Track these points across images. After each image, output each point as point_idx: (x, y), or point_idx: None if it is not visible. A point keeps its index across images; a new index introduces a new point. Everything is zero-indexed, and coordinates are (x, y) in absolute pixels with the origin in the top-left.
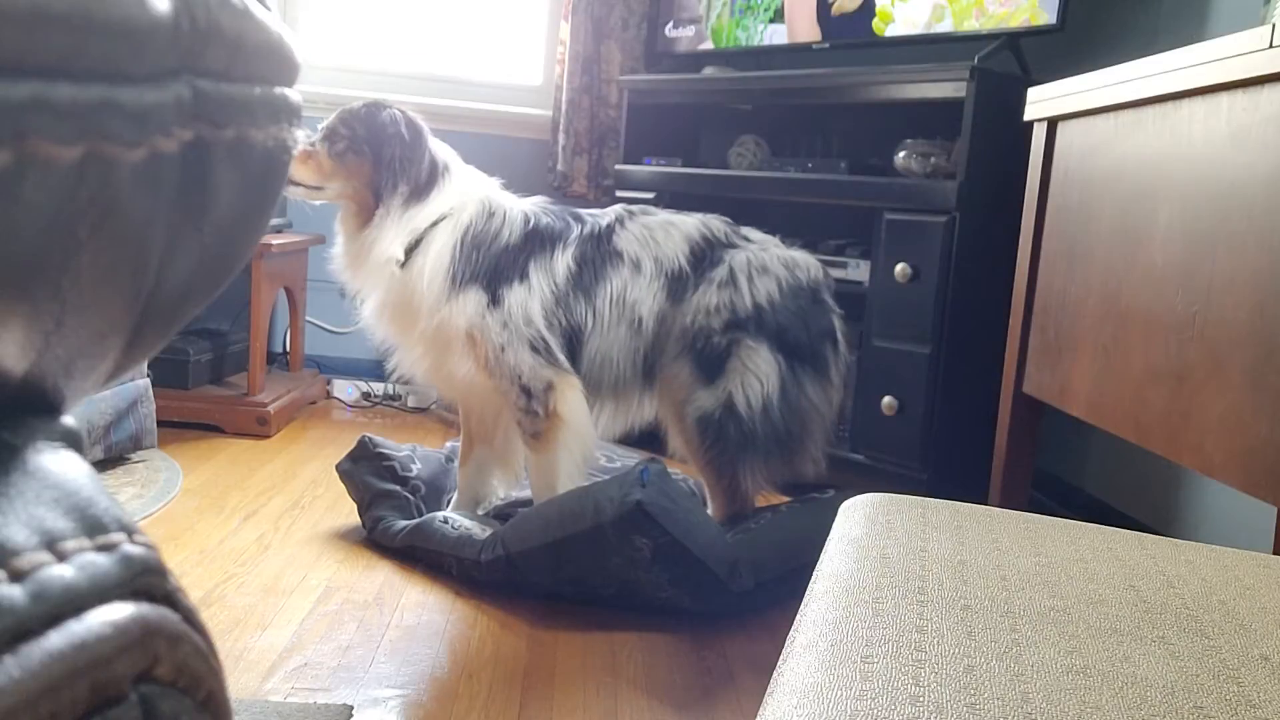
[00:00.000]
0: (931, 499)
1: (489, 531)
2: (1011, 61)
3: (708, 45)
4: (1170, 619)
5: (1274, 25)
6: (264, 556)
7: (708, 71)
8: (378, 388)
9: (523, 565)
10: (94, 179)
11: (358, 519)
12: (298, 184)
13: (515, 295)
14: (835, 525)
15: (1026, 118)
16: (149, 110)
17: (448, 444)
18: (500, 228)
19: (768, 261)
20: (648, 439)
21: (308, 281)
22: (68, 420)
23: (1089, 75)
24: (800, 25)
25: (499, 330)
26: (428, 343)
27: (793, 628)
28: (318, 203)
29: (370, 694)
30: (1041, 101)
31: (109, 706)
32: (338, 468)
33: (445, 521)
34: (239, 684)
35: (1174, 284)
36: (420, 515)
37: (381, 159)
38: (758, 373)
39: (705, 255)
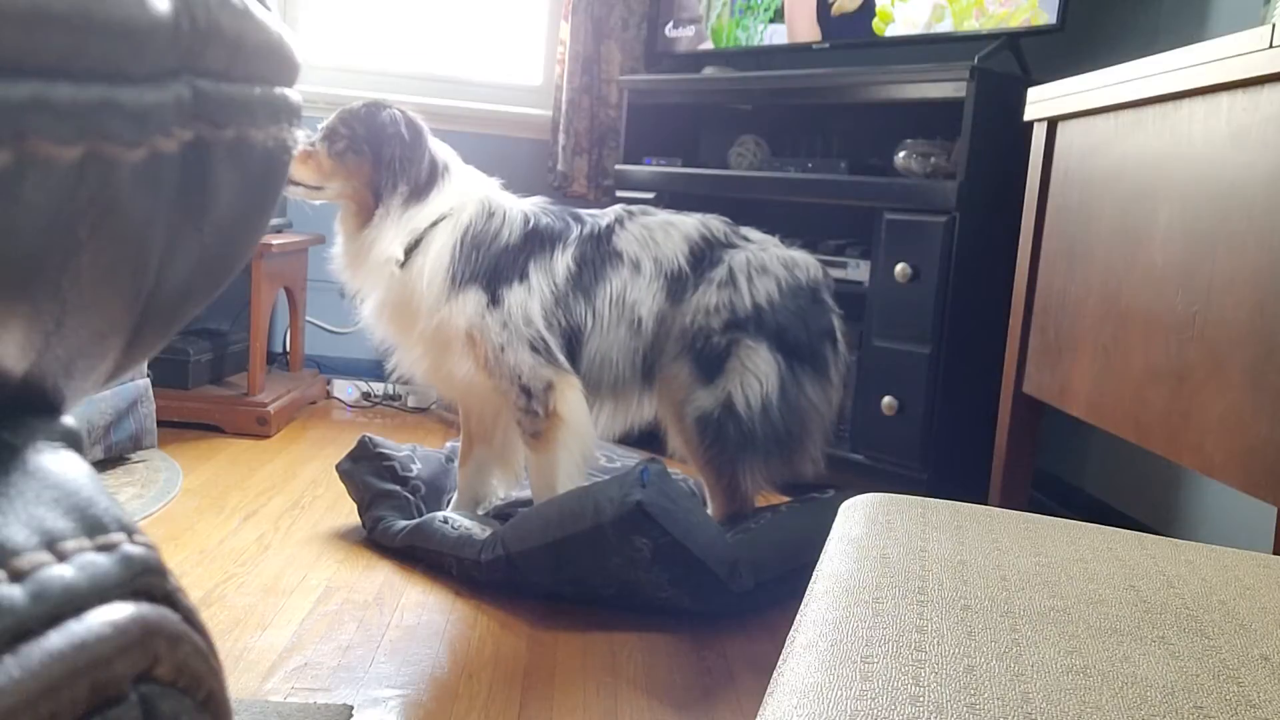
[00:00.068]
0: (931, 499)
1: (489, 531)
2: (1011, 61)
3: (708, 45)
4: (1170, 619)
5: (1274, 25)
6: (264, 556)
7: (708, 71)
8: (378, 388)
9: (523, 565)
10: (94, 179)
11: (358, 519)
12: (298, 184)
13: (515, 295)
14: (835, 525)
15: (1026, 118)
16: (149, 110)
17: (448, 444)
18: (500, 228)
19: (767, 261)
20: (648, 439)
21: (308, 281)
22: (68, 420)
23: (1089, 75)
24: (800, 25)
25: (498, 330)
26: (427, 343)
27: (793, 628)
28: (318, 202)
29: (370, 694)
30: (1041, 101)
31: (109, 706)
32: (338, 468)
33: (445, 521)
34: (239, 684)
35: (1174, 284)
36: (420, 515)
37: (381, 159)
38: (757, 373)
39: (705, 255)
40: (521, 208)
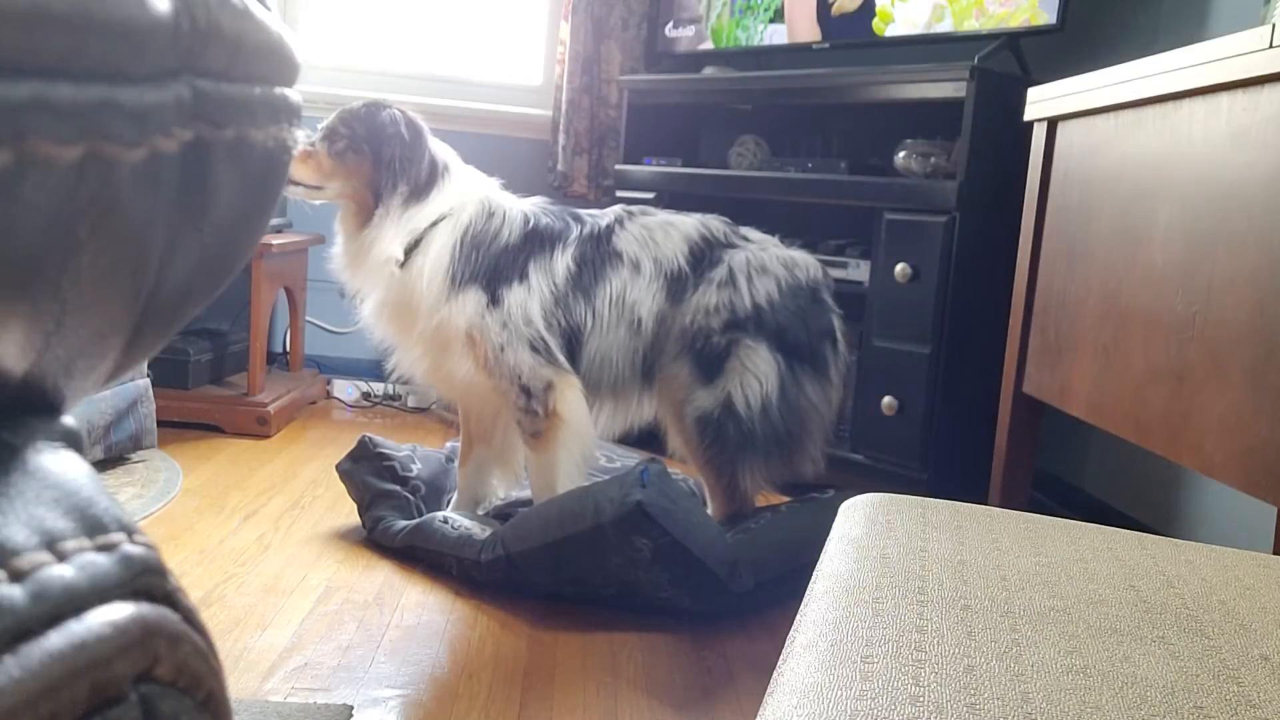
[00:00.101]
0: (931, 499)
1: (489, 531)
2: (1011, 61)
3: (708, 45)
4: (1170, 619)
5: (1274, 25)
6: (264, 556)
7: (708, 71)
8: (378, 388)
9: (523, 565)
10: (94, 179)
11: (358, 519)
12: (298, 184)
13: (515, 295)
14: (835, 525)
15: (1026, 118)
16: (149, 110)
17: (448, 444)
18: (500, 228)
19: (767, 261)
20: (648, 439)
21: (308, 281)
22: (68, 420)
23: (1089, 75)
24: (800, 25)
25: (498, 330)
26: (427, 343)
27: (793, 628)
28: (317, 202)
29: (370, 694)
30: (1041, 101)
31: (109, 706)
32: (338, 468)
33: (445, 521)
34: (239, 684)
35: (1174, 284)
36: (420, 515)
37: (381, 159)
38: (757, 372)
39: (704, 255)
40: (521, 208)
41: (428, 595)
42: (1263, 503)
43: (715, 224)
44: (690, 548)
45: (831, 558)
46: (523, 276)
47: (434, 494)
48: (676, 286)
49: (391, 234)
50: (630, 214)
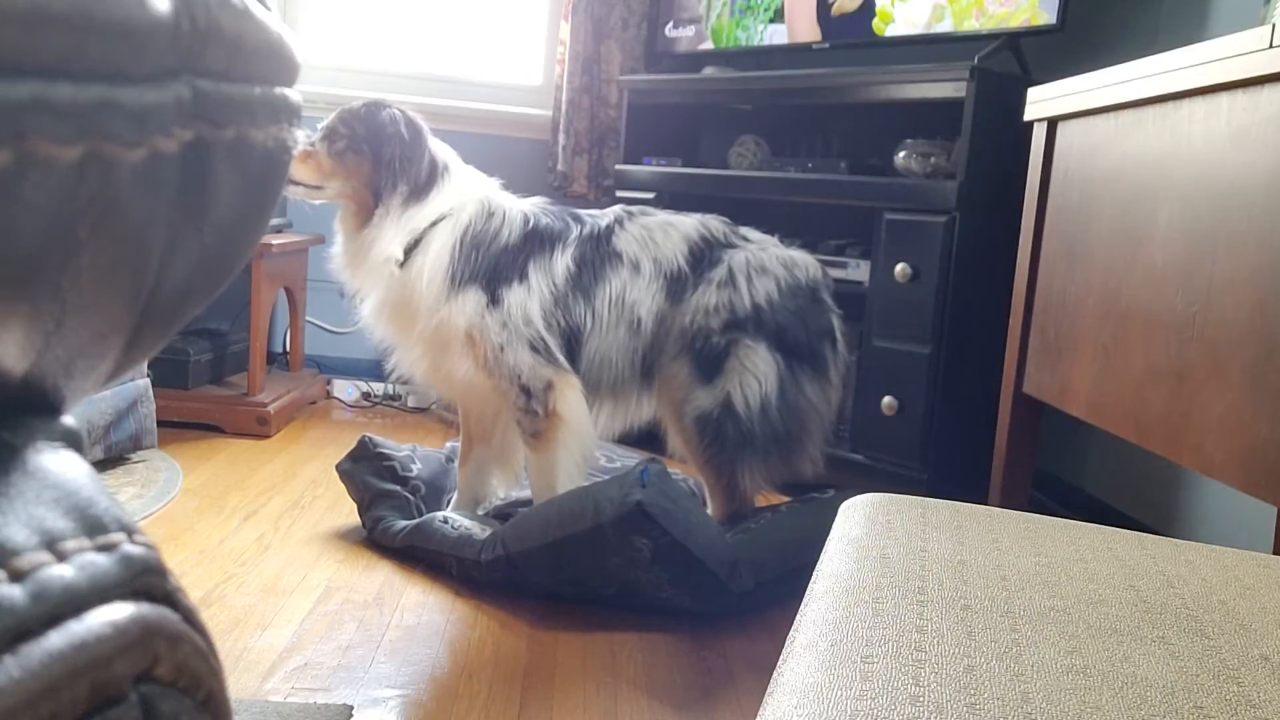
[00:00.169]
0: (931, 499)
1: (489, 531)
2: (1011, 61)
3: (708, 45)
4: (1170, 619)
5: (1274, 25)
6: (264, 556)
7: (708, 71)
8: (378, 388)
9: (523, 565)
10: (94, 179)
11: (358, 519)
12: (297, 183)
13: (514, 295)
14: (835, 525)
15: (1026, 118)
16: (149, 110)
17: (448, 444)
18: (500, 228)
19: (766, 261)
20: (647, 439)
21: (308, 281)
22: (68, 420)
23: (1089, 75)
24: (800, 25)
25: (498, 330)
26: (427, 343)
27: (793, 628)
28: (317, 202)
29: (370, 694)
30: (1041, 101)
31: (109, 706)
32: (338, 468)
33: (445, 521)
34: (239, 684)
35: (1174, 284)
36: (420, 515)
37: (381, 158)
38: (756, 372)
39: (704, 255)
40: (521, 208)
41: (428, 595)
42: (1263, 503)
43: (715, 224)
44: (690, 548)
45: (831, 558)
46: (522, 276)
47: (434, 494)
48: (676, 286)
49: (391, 234)
50: (630, 214)
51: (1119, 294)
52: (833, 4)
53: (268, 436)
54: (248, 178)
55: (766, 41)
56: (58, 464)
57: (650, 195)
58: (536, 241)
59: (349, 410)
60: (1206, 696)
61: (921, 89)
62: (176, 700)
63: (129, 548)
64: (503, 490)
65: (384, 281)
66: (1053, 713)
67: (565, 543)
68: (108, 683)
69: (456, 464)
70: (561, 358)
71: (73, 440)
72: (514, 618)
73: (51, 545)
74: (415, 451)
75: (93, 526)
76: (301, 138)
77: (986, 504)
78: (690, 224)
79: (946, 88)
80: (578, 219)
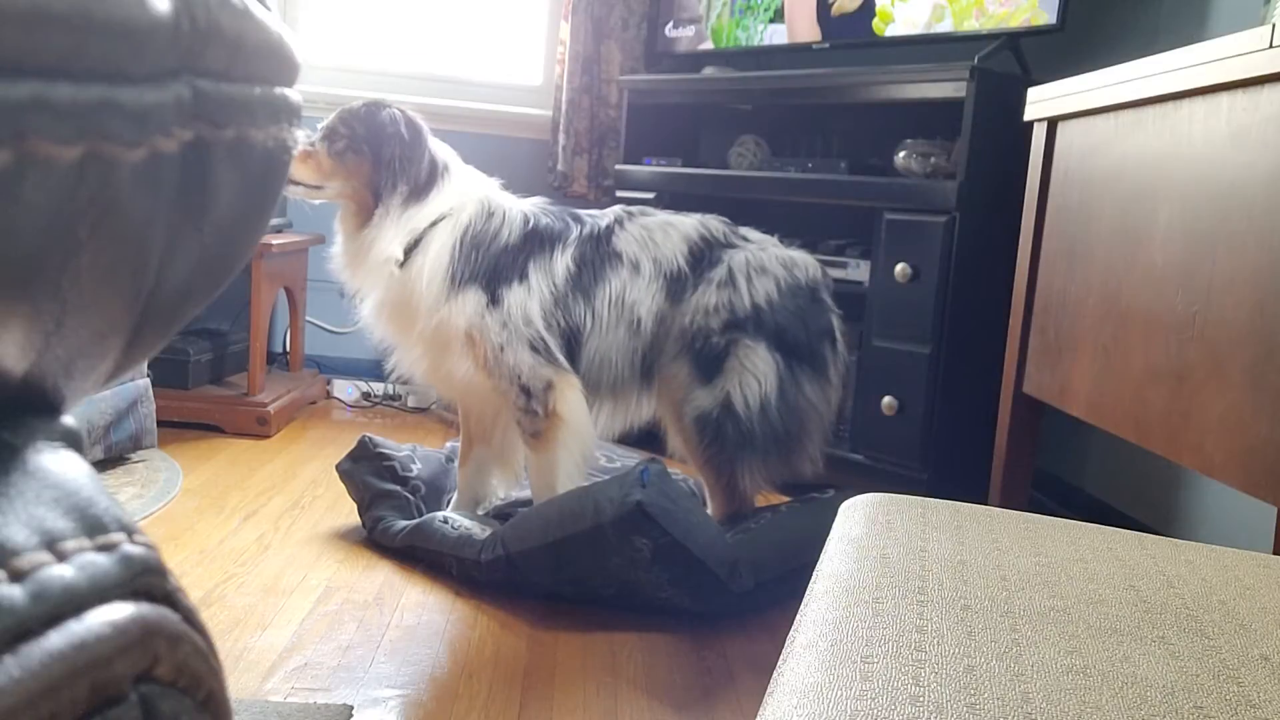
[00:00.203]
0: (931, 499)
1: (489, 531)
2: (1011, 61)
3: (708, 45)
4: (1170, 619)
5: (1274, 25)
6: (264, 556)
7: (708, 71)
8: (378, 388)
9: (523, 565)
10: (94, 179)
11: (358, 519)
12: (297, 183)
13: (514, 295)
14: (835, 525)
15: (1026, 118)
16: (149, 110)
17: (448, 444)
18: (499, 228)
19: (766, 261)
20: (647, 439)
21: (308, 281)
22: (68, 420)
23: (1089, 75)
24: (800, 25)
25: (498, 330)
26: (427, 342)
27: (793, 628)
28: (317, 202)
29: (370, 694)
30: (1041, 101)
31: (109, 706)
32: (338, 468)
33: (445, 521)
34: (239, 684)
35: (1174, 284)
36: (420, 515)
37: (381, 158)
38: (756, 372)
39: (704, 255)
40: (521, 208)
41: (428, 595)
42: (1263, 503)
43: (715, 224)
44: (690, 548)
45: (831, 558)
46: (522, 277)
47: (434, 494)
48: (676, 287)
49: (391, 234)
50: (630, 214)
51: (1119, 294)
52: (833, 4)
53: (268, 436)
54: (248, 178)
55: (766, 41)
56: (58, 464)
57: (650, 195)
58: (536, 241)
59: (349, 410)
60: (1206, 696)
61: (921, 89)
62: (176, 700)
63: (129, 548)
64: (503, 490)
65: (384, 281)
66: (1053, 713)
67: (565, 543)
68: (108, 683)
69: (456, 464)
70: (561, 358)
71: (73, 440)
72: (514, 618)
73: (51, 545)
74: (415, 451)
75: (93, 526)
76: (301, 138)
77: (986, 504)
78: (690, 224)
79: (946, 88)
80: (578, 219)
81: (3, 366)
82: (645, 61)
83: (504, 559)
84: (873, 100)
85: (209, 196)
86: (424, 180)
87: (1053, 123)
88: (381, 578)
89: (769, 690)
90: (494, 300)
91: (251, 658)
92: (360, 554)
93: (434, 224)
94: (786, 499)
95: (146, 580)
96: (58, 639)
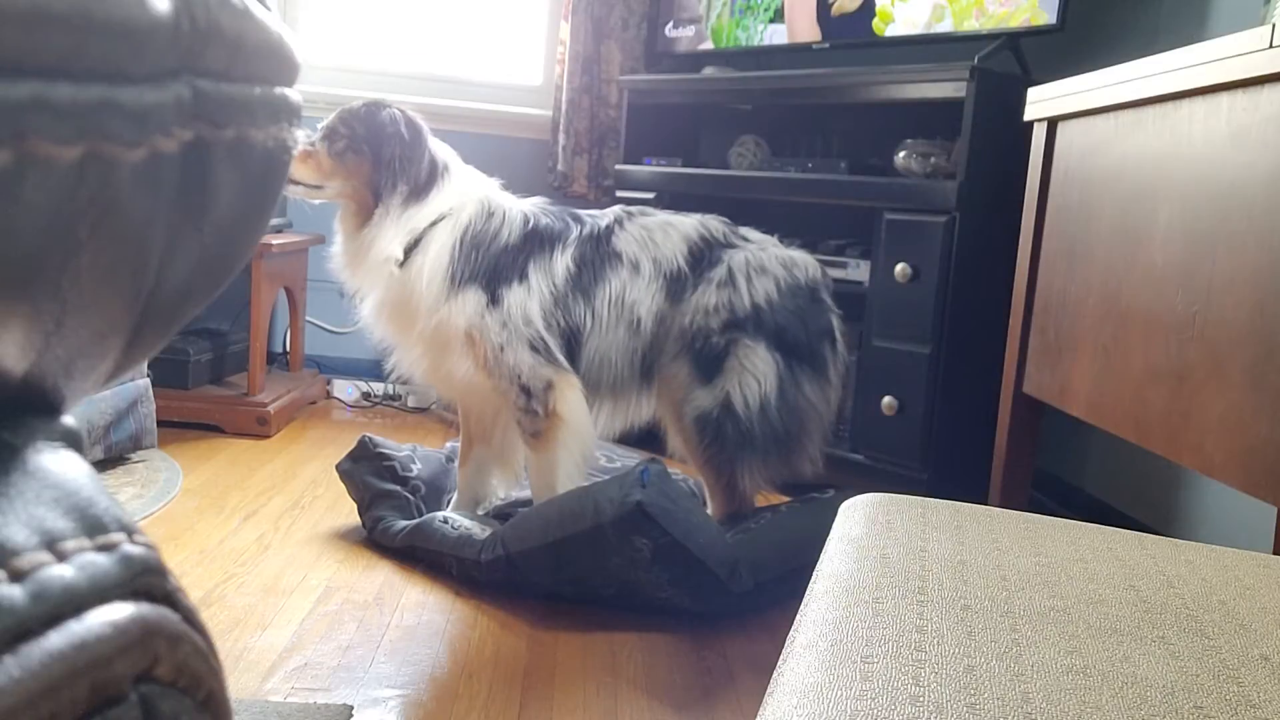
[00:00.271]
0: (931, 499)
1: (489, 531)
2: (1011, 61)
3: (708, 45)
4: (1170, 619)
5: (1274, 25)
6: (264, 556)
7: (708, 71)
8: (378, 388)
9: (523, 565)
10: (94, 179)
11: (358, 519)
12: (298, 183)
13: (514, 295)
14: (835, 525)
15: (1026, 118)
16: (149, 110)
17: (448, 444)
18: (499, 228)
19: (766, 261)
20: (647, 439)
21: (308, 281)
22: (68, 420)
23: (1089, 75)
24: (800, 25)
25: (498, 330)
26: (426, 342)
27: (793, 628)
28: (317, 202)
29: (370, 694)
30: (1041, 101)
31: (109, 706)
32: (338, 468)
33: (445, 521)
34: (239, 684)
35: (1174, 284)
36: (420, 515)
37: (381, 158)
38: (755, 372)
39: (704, 255)
40: (521, 208)
41: (428, 595)
42: (1263, 503)
43: (714, 224)
44: (690, 548)
45: (831, 558)
46: (522, 276)
47: (434, 494)
48: (676, 287)
49: (391, 233)
50: (629, 214)
51: (1119, 294)
52: (833, 4)
53: (268, 436)
54: (248, 178)
55: (766, 41)
56: (58, 464)
57: (650, 195)
58: (536, 241)
59: (349, 410)
60: (1206, 696)
61: (921, 89)
62: (176, 700)
63: (129, 548)
64: (503, 490)
65: (384, 281)
66: (1053, 713)
67: (565, 543)
68: (108, 683)
69: (456, 464)
70: (561, 358)
71: (73, 440)
72: (514, 618)
73: (51, 545)
74: (415, 451)
75: (93, 526)
76: (301, 138)
77: (986, 504)
78: (690, 224)
79: (946, 88)
80: (578, 219)
81: (3, 366)
82: (645, 61)
83: (504, 559)
84: (873, 100)
85: (209, 196)
86: (424, 180)
87: (1053, 123)
88: (381, 578)
89: (769, 690)
90: (494, 300)
91: (251, 658)
92: (360, 554)
93: (434, 224)
94: (786, 499)
95: (146, 580)
96: (58, 639)
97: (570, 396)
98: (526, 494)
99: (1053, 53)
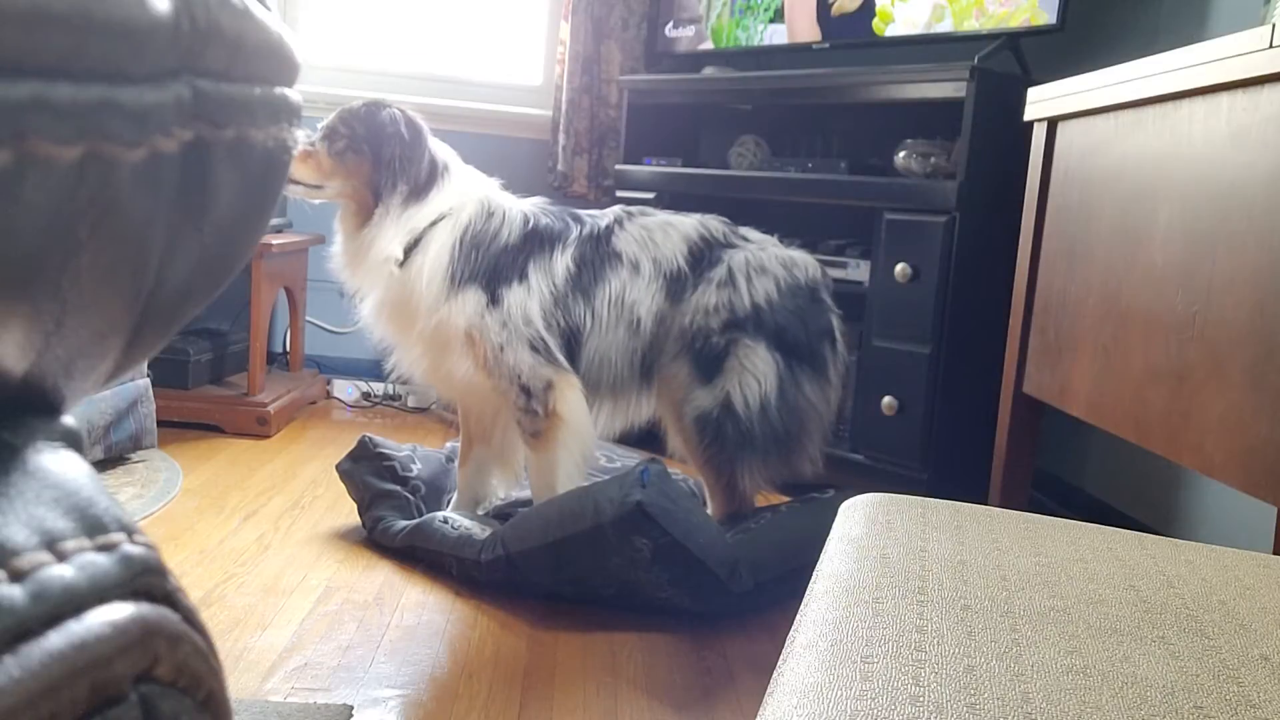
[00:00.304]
0: (931, 499)
1: (489, 531)
2: (1011, 61)
3: (708, 45)
4: (1170, 619)
5: (1274, 25)
6: (264, 556)
7: (708, 71)
8: (378, 388)
9: (523, 565)
10: (94, 179)
11: (358, 519)
12: (297, 183)
13: (514, 295)
14: (835, 525)
15: (1026, 118)
16: (149, 110)
17: (448, 444)
18: (499, 228)
19: (766, 261)
20: (647, 439)
21: (308, 281)
22: (68, 420)
23: (1089, 75)
24: (800, 25)
25: (498, 330)
26: (426, 342)
27: (793, 628)
28: (317, 202)
29: (370, 694)
30: (1041, 101)
31: (109, 706)
32: (338, 468)
33: (445, 521)
34: (239, 684)
35: (1174, 284)
36: (420, 515)
37: (381, 158)
38: (755, 372)
39: (704, 255)
40: (521, 208)
41: (428, 595)
42: (1263, 503)
43: (714, 224)
44: (690, 548)
45: (831, 558)
46: (522, 276)
47: (434, 494)
48: (676, 287)
49: (391, 233)
50: (629, 214)
51: (1119, 294)
52: (833, 4)
53: (268, 436)
54: (248, 178)
55: (766, 41)
56: (58, 464)
57: (650, 195)
58: (536, 241)
59: (349, 410)
60: (1206, 696)
61: (921, 89)
62: (176, 700)
63: (129, 548)
64: (503, 490)
65: (384, 281)
66: (1053, 713)
67: (565, 543)
68: (108, 683)
69: (456, 464)
70: (561, 358)
71: (73, 440)
72: (514, 618)
73: (51, 545)
74: (415, 451)
75: (93, 526)
76: (301, 138)
77: (986, 504)
78: (690, 224)
79: (946, 88)
80: (577, 219)
81: (3, 366)
82: (645, 61)
83: (504, 559)
84: (873, 100)
85: (209, 196)
86: (424, 180)
87: (1053, 123)
88: (381, 578)
89: (769, 690)
90: (494, 300)
91: (251, 658)
92: (360, 554)
93: (434, 223)
94: (786, 499)
95: (146, 580)
96: (58, 639)
97: (570, 396)
98: (526, 494)
99: (1053, 53)
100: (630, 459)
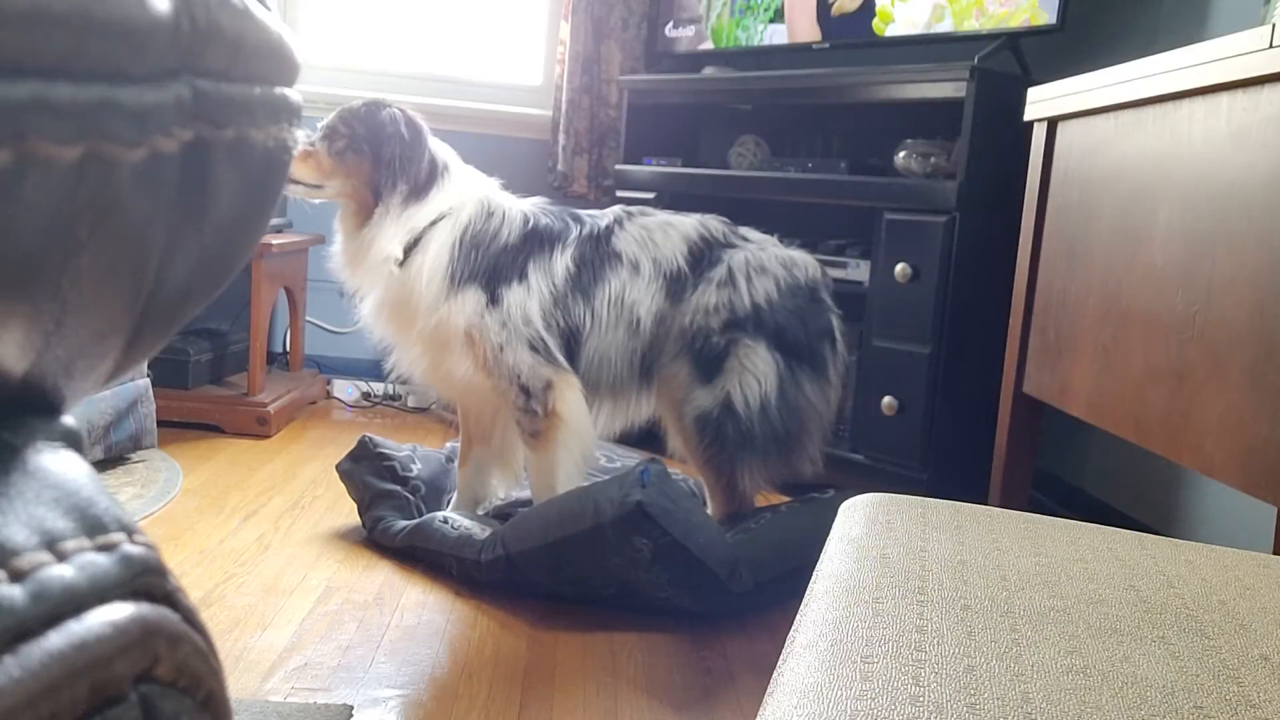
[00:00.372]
0: (931, 499)
1: (489, 531)
2: (1011, 61)
3: (708, 45)
4: (1170, 619)
5: (1274, 25)
6: (264, 556)
7: (708, 71)
8: (378, 388)
9: (523, 565)
10: (94, 179)
11: (358, 519)
12: (298, 182)
13: (514, 295)
14: (835, 525)
15: (1026, 118)
16: (149, 110)
17: (448, 444)
18: (499, 228)
19: (766, 261)
20: (647, 439)
21: (308, 281)
22: (68, 420)
23: (1089, 75)
24: (800, 25)
25: (498, 330)
26: (426, 342)
27: (793, 628)
28: (317, 201)
29: (370, 694)
30: (1041, 101)
31: (109, 706)
32: (338, 468)
33: (445, 521)
34: (239, 684)
35: (1174, 284)
36: (420, 515)
37: (381, 158)
38: (755, 372)
39: (704, 255)
40: (521, 208)
41: (428, 595)
42: (1263, 503)
43: (714, 224)
44: (690, 548)
45: (831, 558)
46: (522, 276)
47: (434, 494)
48: (675, 286)
49: (391, 233)
50: (629, 214)
51: (1119, 294)
52: (833, 4)
53: (268, 436)
54: (248, 178)
55: (766, 41)
56: (58, 464)
57: (650, 195)
58: (536, 241)
59: (349, 410)
60: (1206, 696)
61: (921, 89)
62: (176, 700)
63: (129, 548)
64: (503, 490)
65: (383, 281)
66: (1053, 713)
67: (565, 543)
68: (108, 683)
69: (456, 464)
70: (561, 357)
71: (73, 440)
72: (514, 618)
73: (51, 545)
74: (415, 451)
75: (93, 526)
76: (301, 137)
77: (986, 504)
78: (690, 224)
79: (946, 88)
80: (577, 219)
81: (3, 366)
82: (645, 61)
83: (504, 559)
84: (873, 100)
85: (209, 196)
86: (424, 180)
87: (1053, 123)
88: (381, 578)
89: (769, 690)
90: (493, 300)
91: (251, 658)
92: (360, 554)
93: (434, 223)
94: (786, 499)
95: (146, 580)
96: (58, 639)
97: (570, 396)
98: (526, 494)
99: (1053, 53)
100: (630, 459)
